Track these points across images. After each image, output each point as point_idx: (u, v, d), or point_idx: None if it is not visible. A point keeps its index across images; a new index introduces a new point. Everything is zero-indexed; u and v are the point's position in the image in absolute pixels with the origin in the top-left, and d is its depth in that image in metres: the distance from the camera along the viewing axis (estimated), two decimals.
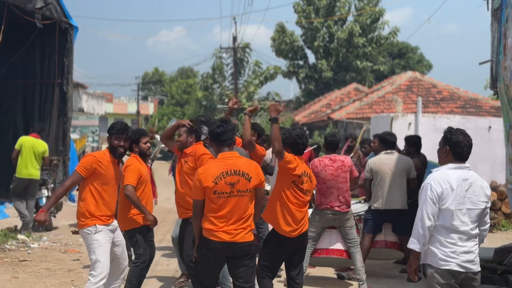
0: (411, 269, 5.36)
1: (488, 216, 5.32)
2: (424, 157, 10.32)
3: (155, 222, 7.53)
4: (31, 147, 12.36)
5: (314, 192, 8.85)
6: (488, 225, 5.41)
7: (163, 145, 10.05)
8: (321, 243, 8.90)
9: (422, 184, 5.31)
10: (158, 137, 10.05)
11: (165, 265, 9.72)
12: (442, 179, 5.12)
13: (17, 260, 10.10)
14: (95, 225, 6.69)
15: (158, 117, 52.59)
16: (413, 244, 5.17)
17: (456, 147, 5.17)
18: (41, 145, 12.62)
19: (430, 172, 5.52)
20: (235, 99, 8.28)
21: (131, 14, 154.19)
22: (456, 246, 5.10)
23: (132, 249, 8.17)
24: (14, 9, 13.41)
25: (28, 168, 12.30)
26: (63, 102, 16.03)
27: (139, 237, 7.68)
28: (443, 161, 5.33)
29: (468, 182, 5.15)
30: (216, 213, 5.84)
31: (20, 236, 11.61)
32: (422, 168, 10.02)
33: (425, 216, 5.10)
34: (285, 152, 6.82)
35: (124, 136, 7.18)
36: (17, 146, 12.41)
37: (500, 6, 9.89)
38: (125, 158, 7.52)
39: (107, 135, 7.34)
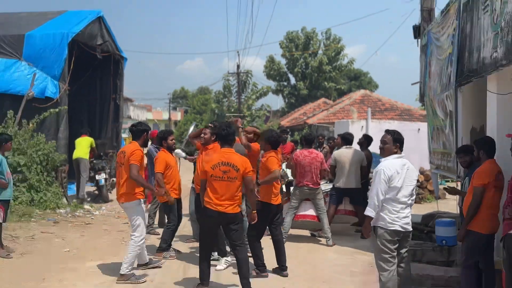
0: (366, 229, 5.53)
1: (415, 191, 5.56)
2: (370, 151, 10.37)
3: (170, 200, 7.62)
4: (80, 142, 13.05)
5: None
6: (415, 196, 5.64)
7: (181, 157, 9.99)
8: (299, 210, 9.16)
9: (376, 169, 5.48)
10: (178, 151, 9.87)
11: (187, 228, 9.64)
12: (391, 166, 5.37)
13: (84, 223, 10.47)
14: (139, 199, 6.94)
15: (183, 122, 52.88)
16: (369, 212, 5.36)
17: (397, 141, 5.49)
18: (86, 140, 13.17)
19: (378, 161, 5.63)
20: (236, 119, 8.02)
21: (165, 48, 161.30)
22: (399, 213, 5.36)
23: (166, 216, 8.52)
24: (82, 45, 13.73)
25: (76, 153, 12.96)
26: (116, 112, 16.19)
27: (173, 207, 7.88)
28: (389, 153, 5.51)
29: (406, 167, 5.41)
30: (212, 191, 6.09)
31: (86, 206, 11.92)
32: (371, 158, 10.20)
33: (379, 192, 5.29)
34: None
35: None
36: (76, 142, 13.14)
37: (426, 43, 10.19)
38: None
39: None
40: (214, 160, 6.15)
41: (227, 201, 6.06)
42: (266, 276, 6.98)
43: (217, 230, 6.49)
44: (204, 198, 6.16)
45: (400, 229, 5.37)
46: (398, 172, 5.34)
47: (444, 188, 7.97)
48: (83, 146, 13.07)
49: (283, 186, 9.85)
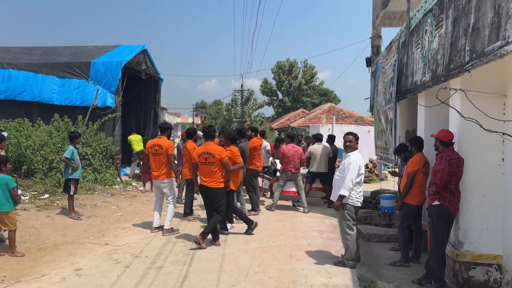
0: (337, 204, 5.34)
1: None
2: (336, 146, 10.22)
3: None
4: (133, 138, 12.85)
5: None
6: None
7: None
8: (285, 188, 9.11)
9: (349, 161, 5.30)
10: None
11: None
12: (360, 158, 5.37)
13: (132, 196, 10.38)
14: (173, 178, 6.99)
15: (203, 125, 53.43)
16: (344, 192, 5.24)
17: (357, 140, 5.55)
18: (138, 136, 13.04)
19: (341, 154, 5.88)
20: (201, 116, 8.37)
21: (190, 72, 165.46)
22: (359, 193, 5.39)
23: (185, 188, 8.42)
24: (131, 70, 13.69)
25: (138, 147, 12.75)
26: (155, 117, 16.04)
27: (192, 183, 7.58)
28: (354, 149, 5.45)
29: (361, 158, 5.47)
30: (200, 172, 6.18)
31: (134, 183, 11.86)
32: (336, 151, 9.98)
33: (353, 178, 5.23)
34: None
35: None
36: (128, 139, 13.05)
37: (375, 70, 10.13)
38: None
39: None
40: (199, 151, 6.19)
41: (209, 178, 6.10)
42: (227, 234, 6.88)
43: (209, 200, 6.23)
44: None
45: (359, 204, 5.42)
46: (362, 162, 5.37)
47: (389, 172, 7.99)
48: (139, 141, 12.90)
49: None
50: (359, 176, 5.33)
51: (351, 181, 5.24)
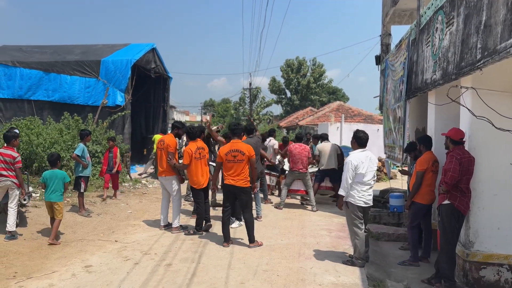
0: (340, 204, 5.41)
1: (375, 174, 5.44)
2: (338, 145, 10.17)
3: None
4: (157, 137, 12.75)
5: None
6: (375, 178, 5.50)
7: None
8: (293, 187, 9.13)
9: (346, 160, 5.37)
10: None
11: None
12: (356, 158, 5.26)
13: (141, 193, 10.46)
14: (175, 175, 6.86)
15: (211, 123, 53.30)
16: (341, 192, 5.29)
17: (358, 140, 5.42)
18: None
19: (348, 153, 5.46)
20: (210, 114, 8.30)
21: (199, 70, 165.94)
22: (365, 192, 5.27)
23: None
24: (141, 68, 13.75)
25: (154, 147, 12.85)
26: (164, 115, 16.11)
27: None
28: (354, 147, 5.46)
29: (369, 157, 5.30)
30: (227, 170, 6.01)
31: (143, 181, 11.95)
32: (340, 149, 9.90)
33: (348, 177, 5.20)
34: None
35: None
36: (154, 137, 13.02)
37: (384, 68, 10.03)
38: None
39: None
40: (226, 148, 6.06)
41: (237, 177, 5.96)
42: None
43: (234, 199, 6.20)
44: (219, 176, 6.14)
45: (363, 204, 5.30)
46: (362, 162, 5.23)
47: (399, 170, 7.94)
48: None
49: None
50: (360, 175, 5.22)
51: (345, 180, 5.21)
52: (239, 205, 6.32)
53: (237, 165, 5.95)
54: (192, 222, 7.53)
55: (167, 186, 6.87)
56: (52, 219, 6.22)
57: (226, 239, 6.15)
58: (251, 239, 6.08)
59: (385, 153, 9.92)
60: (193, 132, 6.68)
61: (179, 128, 7.10)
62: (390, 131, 8.98)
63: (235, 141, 6.11)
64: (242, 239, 6.40)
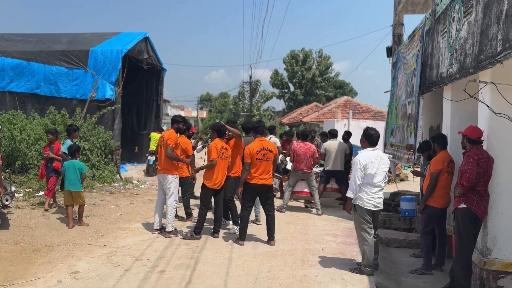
0: (348, 207, 5.43)
1: (386, 175, 5.40)
2: (351, 143, 10.31)
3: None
4: (154, 135, 13.12)
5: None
6: (387, 180, 5.48)
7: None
8: (296, 188, 9.18)
9: (354, 160, 5.37)
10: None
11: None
12: (365, 157, 5.25)
13: (132, 194, 10.47)
14: (175, 175, 6.89)
15: (208, 119, 52.92)
16: (349, 194, 5.29)
17: (369, 138, 5.39)
18: (158, 135, 13.00)
19: (357, 152, 5.47)
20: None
21: (196, 61, 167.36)
22: (375, 194, 5.26)
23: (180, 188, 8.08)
24: (132, 59, 13.78)
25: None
26: (157, 110, 16.24)
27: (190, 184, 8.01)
28: (364, 146, 5.43)
29: (379, 157, 5.28)
30: (257, 169, 6.24)
31: (134, 181, 11.95)
32: (351, 149, 10.10)
33: (356, 178, 5.20)
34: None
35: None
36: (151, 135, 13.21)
37: (396, 61, 10.11)
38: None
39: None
40: (255, 147, 6.29)
41: (265, 175, 6.30)
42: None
43: (255, 198, 6.62)
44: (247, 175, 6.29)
45: (372, 208, 5.28)
46: (372, 162, 5.21)
47: (411, 171, 7.93)
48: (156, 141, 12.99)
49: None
50: (369, 176, 5.22)
51: (354, 181, 5.22)
52: (261, 202, 6.65)
53: (266, 163, 6.30)
54: (186, 226, 7.54)
55: (165, 185, 6.86)
56: (67, 207, 7.15)
57: (243, 237, 6.48)
58: (273, 236, 6.52)
59: (384, 151, 9.92)
60: (223, 130, 6.72)
61: (179, 122, 7.08)
62: (397, 128, 8.99)
63: (260, 139, 6.43)
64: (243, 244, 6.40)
